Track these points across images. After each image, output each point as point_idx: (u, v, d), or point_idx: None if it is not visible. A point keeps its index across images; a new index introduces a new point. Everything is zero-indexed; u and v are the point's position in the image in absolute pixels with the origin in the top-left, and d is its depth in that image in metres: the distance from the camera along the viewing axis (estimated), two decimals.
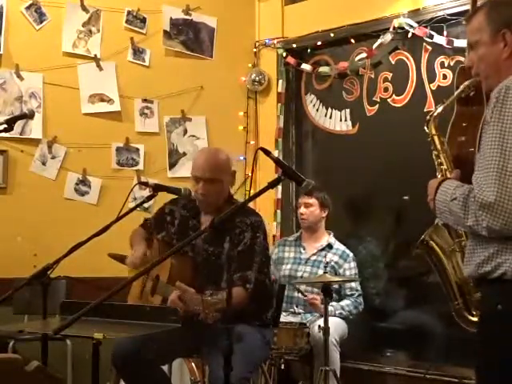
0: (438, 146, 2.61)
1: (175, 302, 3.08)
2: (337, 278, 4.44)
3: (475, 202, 1.96)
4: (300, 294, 4.59)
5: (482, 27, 2.09)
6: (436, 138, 2.62)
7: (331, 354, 4.27)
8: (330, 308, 4.42)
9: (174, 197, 3.50)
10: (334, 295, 4.58)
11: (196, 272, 3.32)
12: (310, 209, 4.72)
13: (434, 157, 2.62)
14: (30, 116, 3.16)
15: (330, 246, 4.74)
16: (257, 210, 5.08)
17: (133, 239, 3.55)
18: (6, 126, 2.92)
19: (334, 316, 4.46)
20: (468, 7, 3.72)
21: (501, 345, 2.03)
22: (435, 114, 2.62)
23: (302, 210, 4.74)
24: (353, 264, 4.71)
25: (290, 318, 4.53)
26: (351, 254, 4.73)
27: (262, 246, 3.30)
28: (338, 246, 4.76)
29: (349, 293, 4.63)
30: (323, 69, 5.32)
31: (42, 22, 5.26)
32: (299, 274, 4.70)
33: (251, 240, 3.26)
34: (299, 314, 4.60)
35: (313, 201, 4.71)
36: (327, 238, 4.79)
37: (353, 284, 4.63)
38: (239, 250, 3.24)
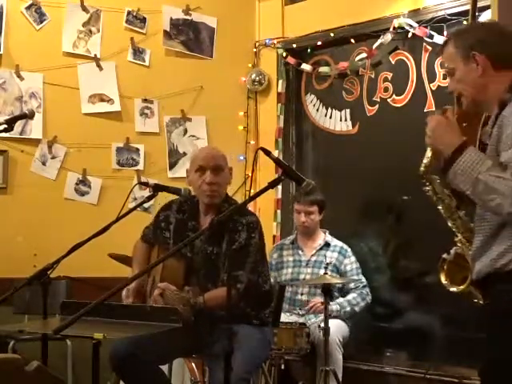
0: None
1: (156, 298, 3.12)
2: (338, 280, 4.46)
3: None
4: (302, 297, 4.62)
5: (453, 56, 2.31)
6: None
7: (334, 354, 4.29)
8: (336, 307, 4.47)
9: (170, 199, 3.53)
10: (336, 294, 4.60)
11: (188, 274, 3.32)
12: (311, 216, 4.73)
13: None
14: (30, 116, 3.15)
15: (327, 245, 4.77)
16: (257, 210, 5.16)
17: (133, 259, 3.56)
18: (5, 125, 2.92)
19: (344, 313, 4.52)
20: (468, 7, 3.72)
21: None
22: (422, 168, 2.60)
23: (303, 218, 4.72)
24: (353, 258, 4.74)
25: (295, 318, 4.55)
26: (349, 249, 4.76)
27: (256, 246, 3.29)
28: (336, 243, 4.78)
29: (353, 286, 4.64)
30: (323, 69, 5.32)
31: (42, 22, 5.26)
32: (301, 276, 4.72)
33: (246, 240, 3.26)
34: (303, 315, 4.60)
35: (313, 208, 4.71)
36: (323, 236, 4.81)
37: (355, 277, 4.65)
38: (233, 249, 3.24)
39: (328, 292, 4.16)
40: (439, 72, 4.67)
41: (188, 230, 3.40)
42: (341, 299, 4.59)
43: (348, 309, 4.56)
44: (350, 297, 4.62)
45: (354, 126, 5.18)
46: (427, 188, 2.55)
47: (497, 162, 2.11)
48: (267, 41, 5.54)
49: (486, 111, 2.31)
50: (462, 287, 2.60)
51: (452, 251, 2.59)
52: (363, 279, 4.69)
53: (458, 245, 2.54)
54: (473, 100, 2.30)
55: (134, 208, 3.35)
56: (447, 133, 2.23)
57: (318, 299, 4.53)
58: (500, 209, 2.04)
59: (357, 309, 4.60)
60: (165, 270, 3.29)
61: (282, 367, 4.28)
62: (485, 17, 4.09)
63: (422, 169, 2.53)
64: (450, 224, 2.54)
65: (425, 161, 2.49)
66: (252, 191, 4.78)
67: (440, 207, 2.56)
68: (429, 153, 2.44)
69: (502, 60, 2.25)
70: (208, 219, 3.34)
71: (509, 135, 2.08)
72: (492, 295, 2.21)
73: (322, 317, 4.45)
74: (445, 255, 2.64)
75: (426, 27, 4.65)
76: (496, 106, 2.21)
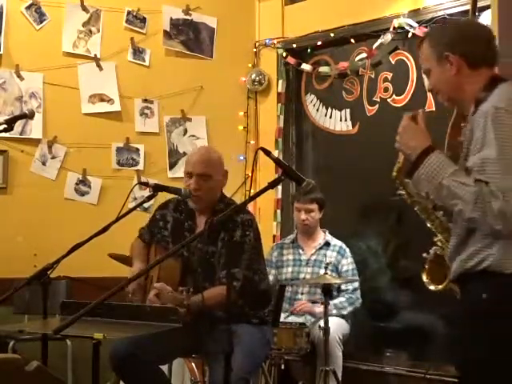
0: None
1: (152, 299, 3.12)
2: (337, 280, 4.45)
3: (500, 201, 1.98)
4: (302, 297, 4.63)
5: (428, 56, 2.32)
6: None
7: (334, 351, 4.29)
8: (321, 310, 4.43)
9: (168, 199, 3.53)
10: (335, 293, 4.60)
11: (185, 273, 3.33)
12: (311, 214, 4.73)
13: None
14: (30, 116, 3.15)
15: (327, 244, 4.77)
16: (257, 210, 5.16)
17: (132, 256, 3.57)
18: (5, 126, 2.92)
19: (331, 316, 4.48)
20: (468, 7, 3.73)
21: (490, 331, 2.08)
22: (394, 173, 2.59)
23: (304, 216, 4.72)
24: (350, 259, 4.75)
25: (294, 318, 4.55)
26: (348, 249, 4.77)
27: (251, 243, 3.30)
28: (335, 243, 4.79)
29: (344, 288, 4.64)
30: (323, 69, 5.32)
31: (42, 22, 5.26)
32: (301, 275, 4.72)
33: (241, 238, 3.27)
34: (302, 315, 4.60)
35: (313, 206, 4.71)
36: (323, 236, 4.82)
37: (350, 278, 4.65)
38: (228, 247, 3.25)
39: (328, 292, 4.16)
40: None
41: (185, 230, 3.41)
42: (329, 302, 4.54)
43: (334, 311, 4.52)
44: (336, 301, 4.58)
45: (354, 125, 5.18)
46: (401, 192, 2.57)
47: (463, 165, 2.12)
48: (267, 41, 5.54)
49: (464, 110, 2.30)
50: (440, 286, 2.63)
51: (431, 251, 2.61)
52: (356, 283, 4.66)
53: (438, 244, 2.56)
54: (448, 98, 2.30)
55: (134, 208, 3.35)
56: (415, 137, 2.23)
57: (304, 301, 4.56)
58: (462, 214, 2.06)
59: (344, 312, 4.58)
60: (162, 271, 3.30)
61: (282, 367, 4.28)
62: (485, 17, 4.09)
63: (394, 173, 2.54)
64: (428, 225, 2.56)
65: (397, 165, 2.50)
66: (252, 191, 4.78)
67: (416, 209, 2.58)
68: (401, 157, 2.45)
69: (477, 59, 2.24)
70: (203, 219, 3.38)
71: (478, 139, 2.08)
72: (462, 295, 2.25)
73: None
74: (425, 254, 2.67)
75: (425, 27, 4.65)
76: (473, 105, 2.21)
